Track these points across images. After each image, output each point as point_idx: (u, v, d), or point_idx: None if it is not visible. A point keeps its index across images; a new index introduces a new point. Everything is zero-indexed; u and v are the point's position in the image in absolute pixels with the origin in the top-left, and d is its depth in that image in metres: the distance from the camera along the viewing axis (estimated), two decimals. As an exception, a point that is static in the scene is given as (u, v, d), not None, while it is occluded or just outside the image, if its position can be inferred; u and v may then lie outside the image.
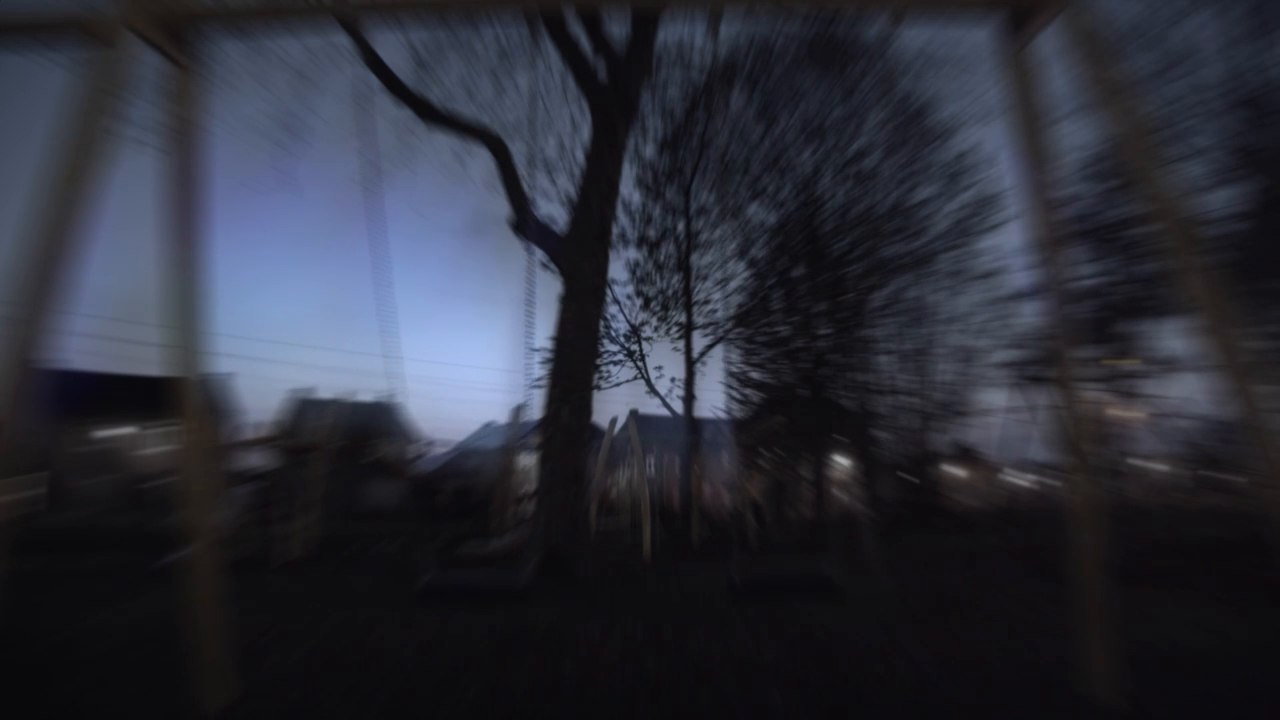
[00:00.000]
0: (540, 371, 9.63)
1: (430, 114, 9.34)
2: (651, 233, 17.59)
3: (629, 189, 17.21)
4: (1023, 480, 28.68)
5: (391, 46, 19.12)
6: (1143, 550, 9.54)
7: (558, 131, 13.50)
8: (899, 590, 6.96)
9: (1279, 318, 10.14)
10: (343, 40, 8.67)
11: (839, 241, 17.02)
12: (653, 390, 17.95)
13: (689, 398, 17.65)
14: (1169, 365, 14.65)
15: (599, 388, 16.69)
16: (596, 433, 11.06)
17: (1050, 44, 3.15)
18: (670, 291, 17.78)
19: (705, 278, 17.94)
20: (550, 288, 9.44)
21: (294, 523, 10.22)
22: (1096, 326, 13.05)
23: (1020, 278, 17.02)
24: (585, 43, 9.07)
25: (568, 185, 14.88)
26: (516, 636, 4.78)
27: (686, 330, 17.75)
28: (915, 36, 17.87)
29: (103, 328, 24.74)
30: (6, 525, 2.51)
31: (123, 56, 2.97)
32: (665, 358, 18.74)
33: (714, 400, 24.32)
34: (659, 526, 12.37)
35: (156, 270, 3.31)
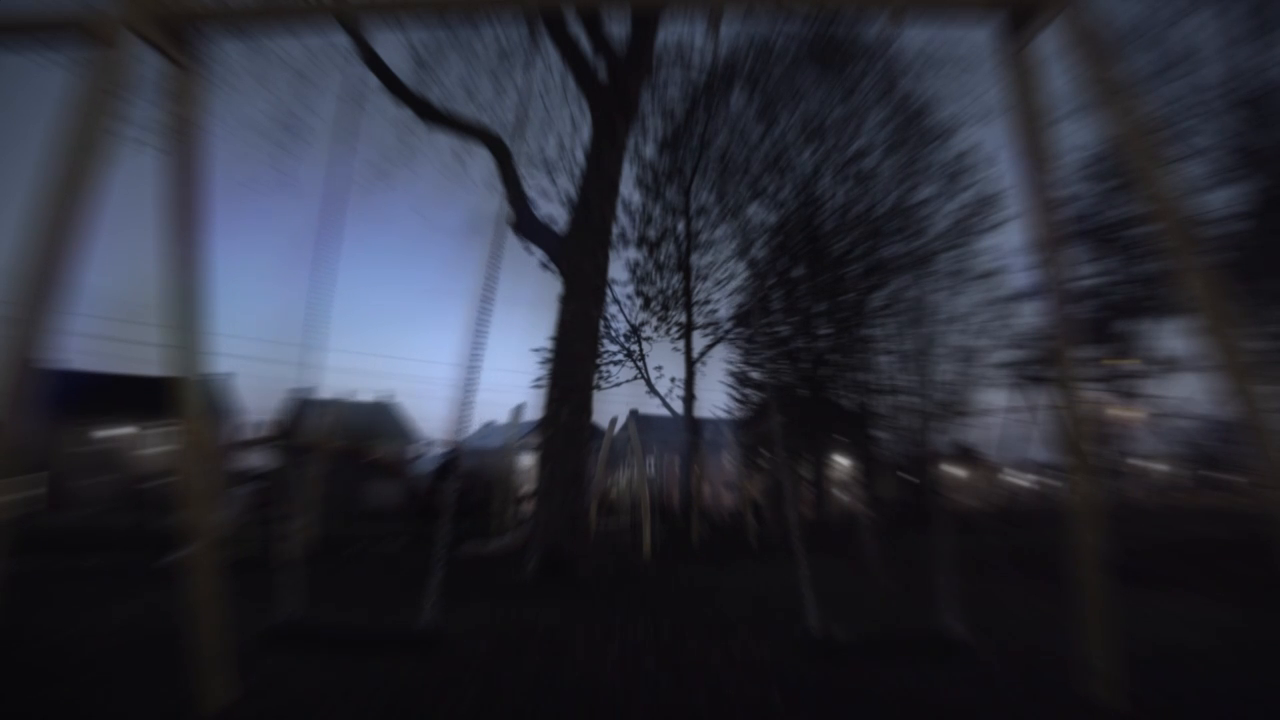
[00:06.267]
0: (539, 371, 9.61)
1: (430, 114, 9.34)
2: (651, 233, 17.61)
3: (629, 189, 17.23)
4: (1023, 480, 28.71)
5: (391, 46, 19.13)
6: (1143, 550, 9.54)
7: (558, 131, 13.52)
8: (898, 590, 6.96)
9: (1279, 318, 10.12)
10: (343, 40, 8.68)
11: (839, 241, 17.02)
12: (653, 390, 17.98)
13: (689, 398, 17.65)
14: (1169, 365, 14.63)
15: (599, 388, 16.71)
16: (596, 433, 11.05)
17: (1050, 44, 3.15)
18: (670, 291, 17.79)
19: (705, 278, 17.97)
20: (550, 287, 9.44)
21: (294, 523, 10.21)
22: (1096, 326, 13.03)
23: (1020, 278, 17.01)
24: (585, 43, 9.07)
25: (568, 185, 14.90)
26: (516, 636, 4.78)
27: (686, 330, 17.76)
28: (915, 36, 17.88)
29: (103, 328, 24.79)
30: (6, 525, 2.51)
31: (123, 56, 2.96)
32: (665, 358, 18.77)
33: (714, 400, 24.44)
34: (659, 526, 12.37)
35: (156, 270, 3.31)
